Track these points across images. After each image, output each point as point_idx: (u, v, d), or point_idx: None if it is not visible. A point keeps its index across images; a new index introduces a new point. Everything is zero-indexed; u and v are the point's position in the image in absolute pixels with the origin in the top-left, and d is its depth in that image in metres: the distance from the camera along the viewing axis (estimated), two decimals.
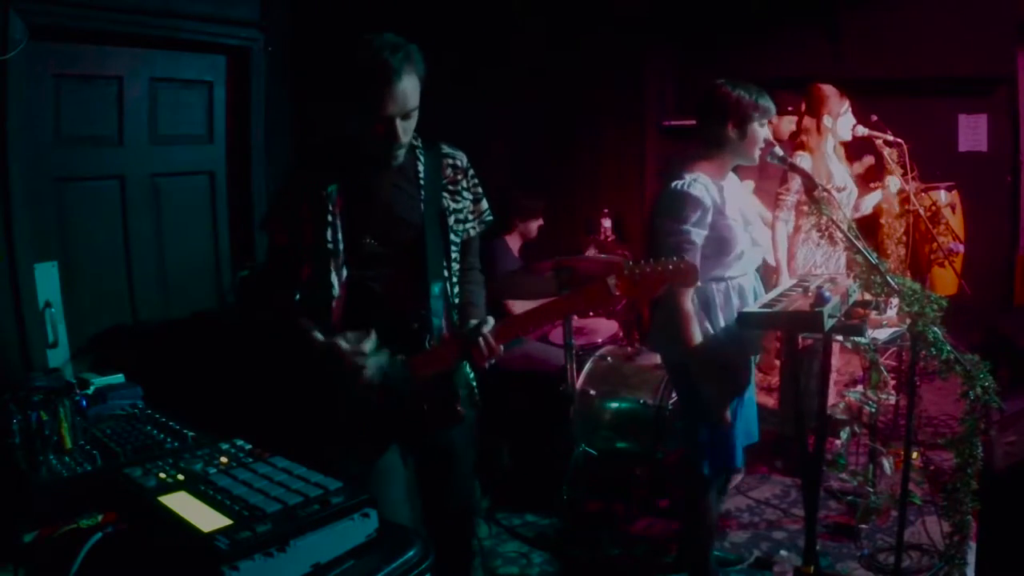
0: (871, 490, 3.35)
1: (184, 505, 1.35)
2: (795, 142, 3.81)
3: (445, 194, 2.09)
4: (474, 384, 2.17)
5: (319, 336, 1.96)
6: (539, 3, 5.11)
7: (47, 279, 3.05)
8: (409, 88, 1.89)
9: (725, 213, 2.54)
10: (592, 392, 3.61)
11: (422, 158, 2.09)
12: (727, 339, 2.57)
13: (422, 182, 2.07)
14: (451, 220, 2.10)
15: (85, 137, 3.32)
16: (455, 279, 2.14)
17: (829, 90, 3.73)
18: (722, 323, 2.59)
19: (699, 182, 2.51)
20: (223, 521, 1.27)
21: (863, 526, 3.23)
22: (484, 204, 2.20)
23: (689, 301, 2.51)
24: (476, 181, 2.18)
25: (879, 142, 3.78)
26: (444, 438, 2.11)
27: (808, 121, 3.76)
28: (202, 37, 3.53)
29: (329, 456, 1.76)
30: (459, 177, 2.13)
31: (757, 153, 2.59)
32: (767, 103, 2.55)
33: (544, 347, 4.07)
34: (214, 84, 3.75)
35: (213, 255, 3.86)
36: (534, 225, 4.27)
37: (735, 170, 2.74)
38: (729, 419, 2.57)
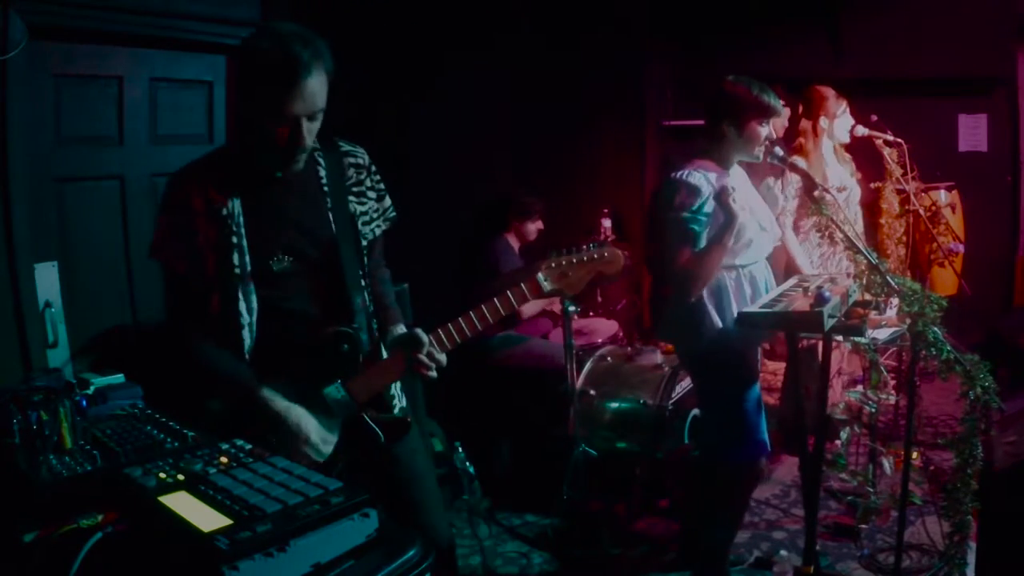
0: (871, 490, 3.35)
1: (184, 505, 1.35)
2: (792, 144, 3.81)
3: (351, 197, 1.95)
4: (398, 386, 2.03)
5: (275, 400, 1.81)
6: (539, 3, 5.11)
7: (47, 279, 3.05)
8: (317, 86, 1.72)
9: None
10: (592, 392, 3.61)
11: (322, 161, 1.93)
12: (732, 327, 2.58)
13: (326, 188, 1.92)
14: (359, 224, 1.96)
15: (85, 137, 3.32)
16: (369, 286, 2.01)
17: (827, 91, 3.73)
18: (735, 312, 2.59)
19: (699, 173, 2.54)
20: (223, 521, 1.27)
21: (863, 526, 3.23)
22: (388, 201, 2.06)
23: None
24: (379, 177, 2.03)
25: (879, 142, 3.78)
26: (392, 451, 1.98)
27: (804, 124, 3.76)
28: (202, 37, 3.53)
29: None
30: (363, 176, 1.98)
31: (758, 151, 2.60)
32: (770, 102, 2.55)
33: (546, 343, 4.07)
34: (214, 84, 3.75)
35: None
36: (532, 227, 4.26)
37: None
38: (749, 404, 2.60)
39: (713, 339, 2.58)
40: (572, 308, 3.49)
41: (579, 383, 3.58)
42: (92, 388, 2.35)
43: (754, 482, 2.74)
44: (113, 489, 1.47)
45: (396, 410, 1.98)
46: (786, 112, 4.23)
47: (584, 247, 2.00)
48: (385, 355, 1.94)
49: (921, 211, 3.80)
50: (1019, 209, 5.33)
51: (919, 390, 2.72)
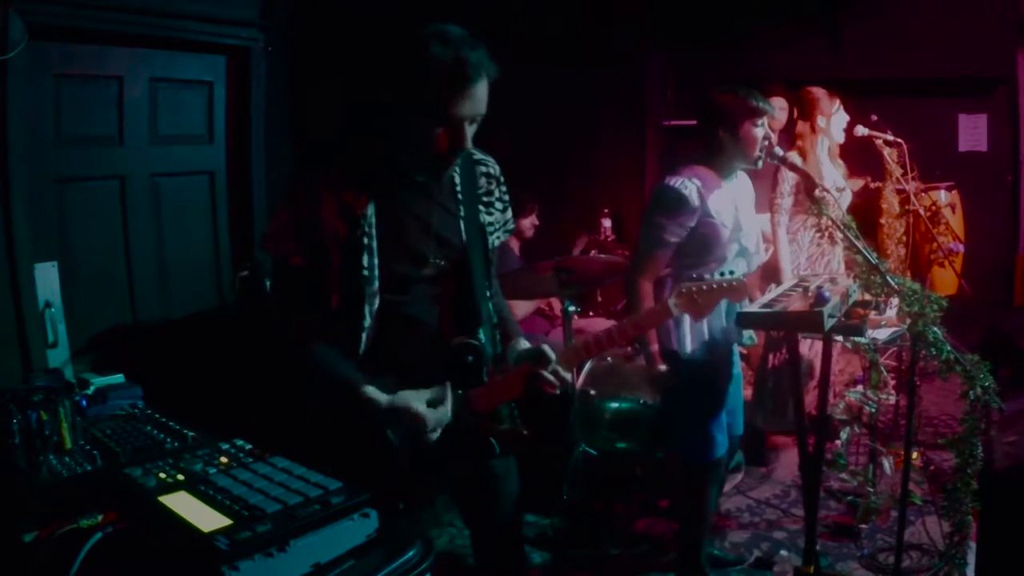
0: (871, 490, 3.35)
1: (184, 505, 1.35)
2: (791, 145, 3.82)
3: (481, 207, 1.91)
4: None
5: (380, 397, 1.74)
6: (539, 3, 5.11)
7: (47, 279, 3.05)
8: (484, 91, 1.71)
9: (712, 215, 2.57)
10: (592, 392, 3.61)
11: (458, 168, 1.88)
12: (699, 338, 2.64)
13: (460, 196, 1.88)
14: (487, 234, 1.92)
15: (85, 137, 3.32)
16: (492, 298, 1.97)
17: (818, 92, 3.73)
18: (689, 324, 2.64)
19: (692, 183, 2.55)
20: (223, 521, 1.27)
21: (863, 526, 3.23)
22: (509, 212, 2.01)
23: (650, 286, 2.62)
24: (505, 188, 1.99)
25: (879, 142, 3.78)
26: (495, 468, 1.98)
27: (801, 125, 3.76)
28: (202, 37, 3.53)
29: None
30: (492, 186, 1.95)
31: (758, 155, 2.61)
32: (760, 104, 2.57)
33: (546, 340, 4.06)
34: (214, 84, 3.75)
35: (213, 255, 3.86)
36: (527, 223, 4.26)
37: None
38: (705, 407, 2.66)
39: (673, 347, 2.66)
40: (572, 308, 3.49)
41: (579, 383, 3.58)
42: (92, 388, 2.35)
43: (705, 480, 2.77)
44: (113, 489, 1.47)
45: (511, 422, 1.97)
46: (783, 110, 4.24)
47: (716, 274, 1.98)
48: (508, 369, 1.91)
49: (921, 211, 3.80)
50: (1019, 209, 5.34)
51: (919, 390, 2.72)
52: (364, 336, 1.79)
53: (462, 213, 1.88)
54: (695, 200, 2.53)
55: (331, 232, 1.76)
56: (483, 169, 1.94)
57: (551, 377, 1.83)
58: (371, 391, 1.75)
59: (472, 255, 1.87)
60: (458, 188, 1.88)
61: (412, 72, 1.68)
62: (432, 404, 1.76)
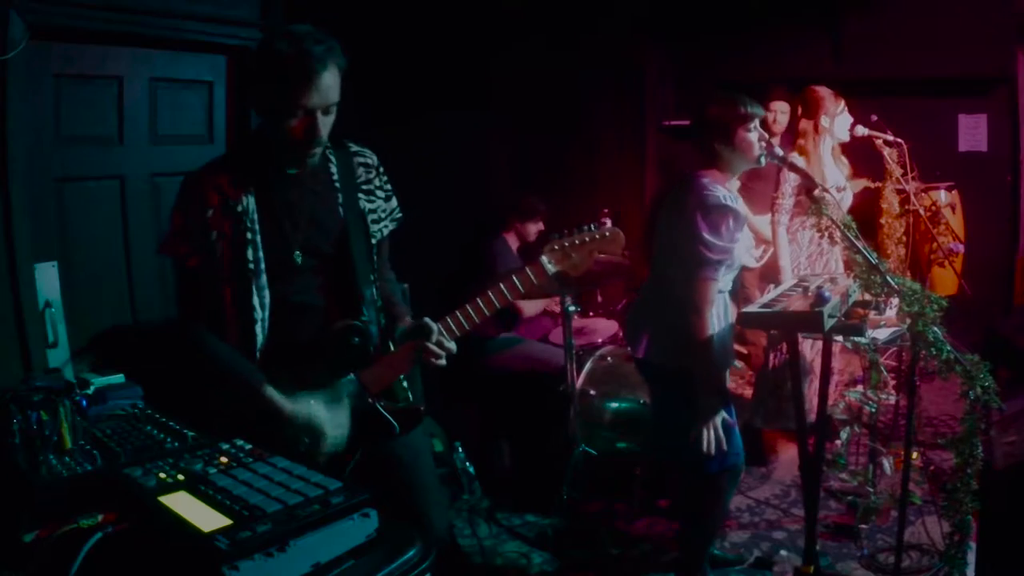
0: (871, 490, 3.35)
1: (184, 505, 1.35)
2: (793, 145, 3.82)
3: (361, 195, 2.01)
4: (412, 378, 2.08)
5: (286, 404, 1.84)
6: (540, 3, 5.11)
7: (47, 279, 3.05)
8: (332, 80, 1.81)
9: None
10: (592, 392, 3.61)
11: (333, 159, 2.00)
12: (718, 348, 2.60)
13: (337, 185, 1.98)
14: (369, 221, 2.02)
15: (85, 137, 3.32)
16: (377, 282, 2.07)
17: (823, 91, 3.73)
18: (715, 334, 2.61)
19: (731, 193, 2.53)
20: (223, 521, 1.27)
21: (863, 526, 3.24)
22: (394, 202, 2.11)
23: (710, 311, 2.51)
24: (386, 178, 2.10)
25: (879, 142, 3.78)
26: (396, 449, 2.01)
27: (805, 124, 3.76)
28: (202, 37, 3.53)
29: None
30: (371, 176, 2.05)
31: (758, 155, 2.61)
32: (750, 109, 2.56)
33: (544, 347, 4.07)
34: (214, 84, 3.75)
35: None
36: (533, 228, 4.27)
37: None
38: (730, 417, 2.60)
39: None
40: (572, 308, 3.49)
41: (579, 383, 3.58)
42: (92, 388, 2.35)
43: (724, 487, 2.75)
44: (113, 489, 1.47)
45: (408, 401, 2.01)
46: (785, 113, 4.24)
47: (585, 227, 2.01)
48: (395, 347, 1.98)
49: (921, 211, 3.80)
50: (1019, 209, 5.33)
51: (919, 390, 2.72)
52: (259, 329, 1.89)
53: (340, 200, 1.97)
54: (742, 211, 2.52)
55: (218, 230, 1.87)
56: (360, 160, 2.04)
57: (434, 348, 1.91)
58: (272, 392, 1.84)
59: (352, 240, 1.96)
60: (335, 178, 1.98)
61: (264, 68, 1.80)
62: (333, 420, 1.86)
